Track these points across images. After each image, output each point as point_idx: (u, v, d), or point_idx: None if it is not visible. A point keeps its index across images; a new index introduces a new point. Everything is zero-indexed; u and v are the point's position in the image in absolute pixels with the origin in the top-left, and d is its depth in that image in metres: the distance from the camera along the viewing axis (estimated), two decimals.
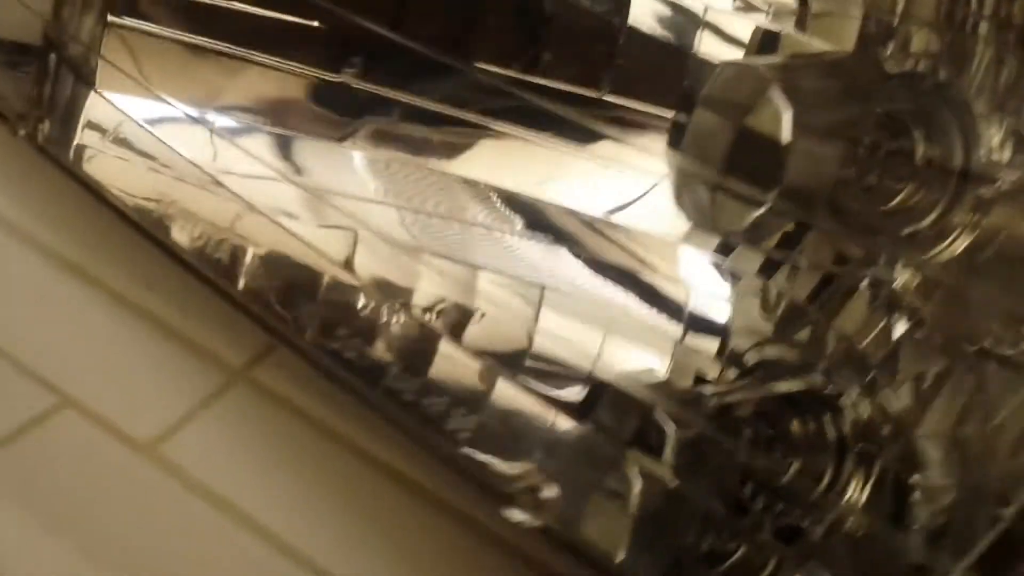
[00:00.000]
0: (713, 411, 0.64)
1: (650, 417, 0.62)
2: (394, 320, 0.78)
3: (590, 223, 0.78)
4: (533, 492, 0.49)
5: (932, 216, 0.63)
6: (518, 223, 0.80)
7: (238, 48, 0.77)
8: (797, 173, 0.55)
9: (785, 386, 0.67)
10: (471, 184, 0.80)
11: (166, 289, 0.62)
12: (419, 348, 0.78)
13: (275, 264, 0.75)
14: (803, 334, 0.73)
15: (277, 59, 0.75)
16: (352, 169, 0.82)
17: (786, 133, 0.55)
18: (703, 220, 0.59)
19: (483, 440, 0.58)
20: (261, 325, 0.63)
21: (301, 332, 0.63)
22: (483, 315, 0.77)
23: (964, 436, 0.51)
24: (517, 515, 0.48)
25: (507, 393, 0.77)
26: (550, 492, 0.49)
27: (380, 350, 0.77)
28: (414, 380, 0.70)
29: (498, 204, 0.81)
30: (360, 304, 0.78)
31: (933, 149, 0.62)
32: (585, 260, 0.78)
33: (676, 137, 0.59)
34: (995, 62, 0.61)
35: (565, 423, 0.67)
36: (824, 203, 0.58)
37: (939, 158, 0.62)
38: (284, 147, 0.82)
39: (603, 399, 0.63)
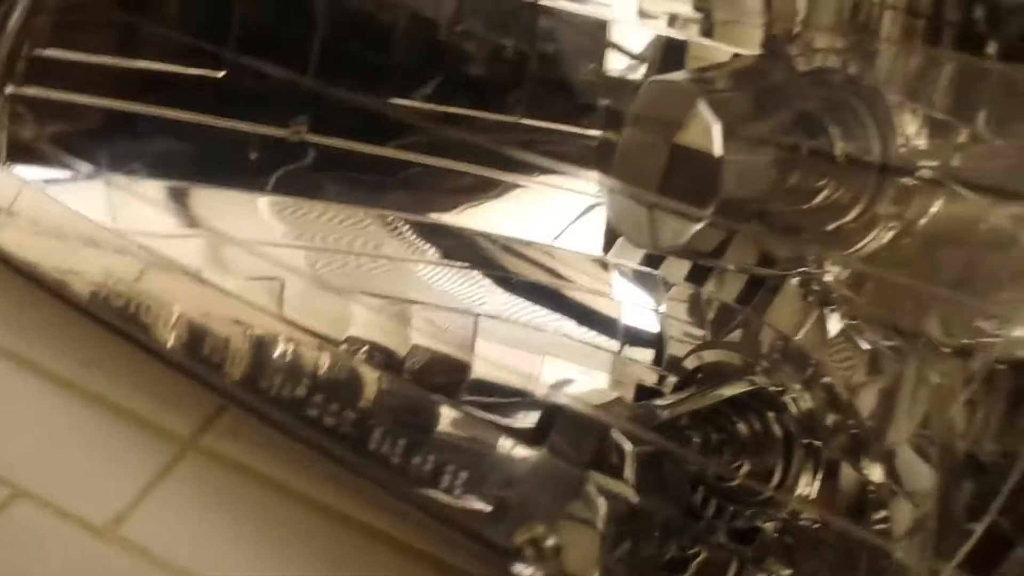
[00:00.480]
0: (665, 423, 0.65)
1: (606, 437, 0.62)
2: (331, 364, 0.77)
3: (516, 247, 0.78)
4: (535, 544, 0.48)
5: (856, 210, 0.64)
6: (438, 253, 0.80)
7: (139, 103, 0.75)
8: (732, 184, 0.56)
9: (730, 390, 0.68)
10: (386, 219, 0.80)
11: (101, 363, 0.59)
12: (357, 388, 0.77)
13: (203, 322, 0.73)
14: (737, 335, 0.74)
15: (183, 112, 0.74)
16: (258, 216, 0.80)
17: (718, 146, 0.56)
18: (642, 239, 0.59)
19: (450, 481, 0.57)
20: (204, 388, 0.61)
21: (247, 391, 0.61)
22: (420, 349, 0.77)
23: (931, 432, 0.52)
24: (525, 571, 0.48)
25: (455, 426, 0.76)
26: (552, 541, 0.49)
27: (315, 394, 0.76)
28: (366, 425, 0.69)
29: (412, 236, 0.80)
30: (297, 352, 0.76)
31: (851, 144, 0.64)
32: (515, 285, 0.78)
33: (606, 157, 0.60)
34: (903, 52, 0.63)
35: (521, 451, 0.66)
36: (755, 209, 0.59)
37: (857, 153, 0.64)
38: (190, 199, 0.80)
39: (557, 424, 0.63)
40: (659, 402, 0.66)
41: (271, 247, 0.80)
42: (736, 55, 0.70)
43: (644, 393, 0.77)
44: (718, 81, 0.58)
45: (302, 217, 0.80)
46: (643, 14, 0.72)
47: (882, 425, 0.60)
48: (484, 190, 0.77)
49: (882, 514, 0.58)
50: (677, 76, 0.58)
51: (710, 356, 0.72)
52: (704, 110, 0.56)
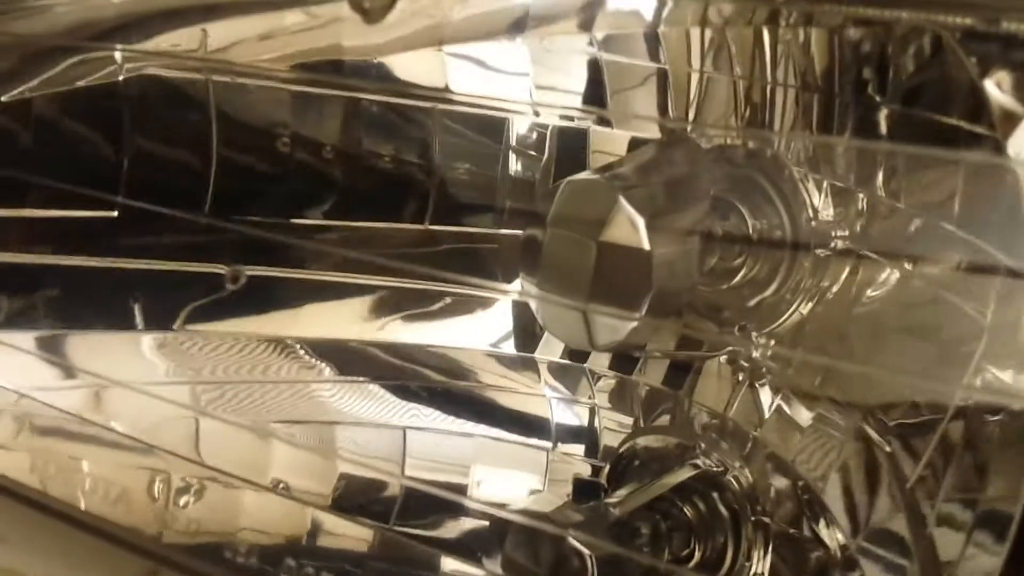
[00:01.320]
0: (617, 521, 0.64)
1: (563, 544, 0.60)
2: (255, 499, 0.74)
3: (437, 357, 0.77)
4: None
5: (775, 284, 0.65)
6: (334, 371, 0.78)
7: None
8: (663, 277, 0.56)
9: (675, 477, 0.67)
10: (278, 342, 0.77)
11: (21, 537, 0.55)
12: (293, 524, 0.74)
13: (118, 477, 0.69)
14: (669, 419, 0.74)
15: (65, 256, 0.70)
16: (140, 355, 0.77)
17: (645, 241, 0.56)
18: (578, 339, 0.59)
19: None
20: (129, 551, 0.58)
21: (174, 550, 0.58)
22: (347, 476, 0.74)
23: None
24: None
25: (391, 551, 0.74)
26: None
27: (248, 535, 0.73)
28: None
29: (306, 355, 0.78)
30: (220, 495, 0.73)
31: (761, 221, 0.65)
32: (435, 394, 0.77)
33: (530, 259, 0.59)
34: (799, 124, 0.64)
35: (471, 570, 0.65)
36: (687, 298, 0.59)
37: (768, 229, 0.65)
38: (70, 346, 0.76)
39: (508, 538, 0.62)
40: (609, 500, 0.65)
41: (171, 386, 0.77)
42: (635, 139, 0.71)
43: (582, 486, 0.76)
44: (631, 176, 0.58)
45: (192, 351, 0.77)
46: (538, 111, 0.73)
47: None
48: (392, 302, 0.76)
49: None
50: (593, 175, 0.58)
51: (645, 442, 0.72)
52: (626, 206, 0.56)
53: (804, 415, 0.65)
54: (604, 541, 0.61)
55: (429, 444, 0.77)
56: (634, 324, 0.56)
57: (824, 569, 0.63)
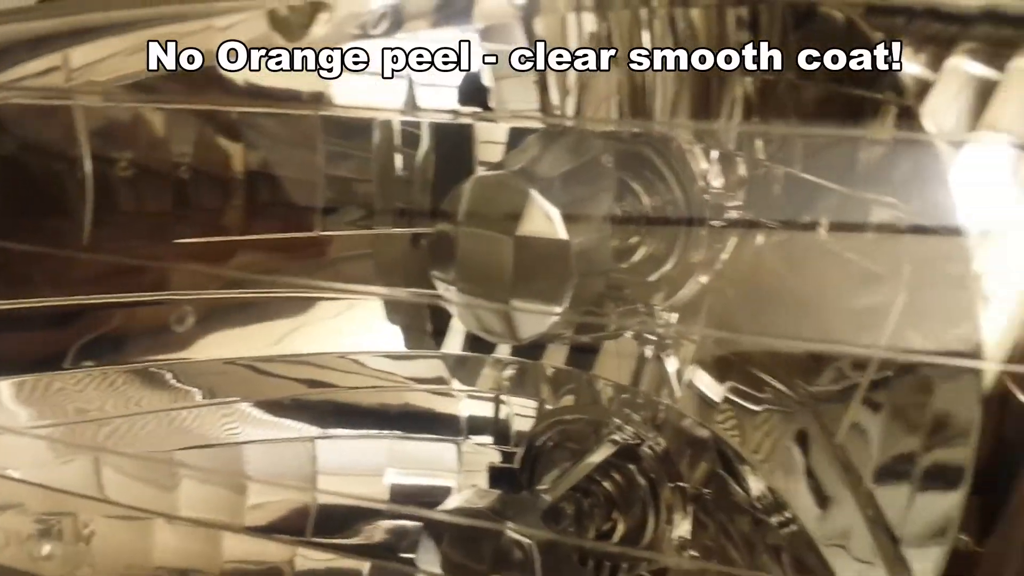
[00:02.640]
0: (548, 508, 0.65)
1: (501, 537, 0.61)
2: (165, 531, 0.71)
3: (336, 361, 0.75)
4: None
5: (673, 259, 0.67)
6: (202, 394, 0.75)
7: None
8: (582, 265, 0.56)
9: (598, 456, 0.68)
10: (145, 373, 0.74)
11: None
12: (205, 553, 0.72)
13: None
14: (577, 398, 0.75)
15: None
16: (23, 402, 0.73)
17: (562, 231, 0.56)
18: (501, 334, 0.59)
19: None
20: None
21: None
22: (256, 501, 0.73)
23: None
24: None
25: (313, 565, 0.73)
26: None
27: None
28: None
29: (175, 382, 0.75)
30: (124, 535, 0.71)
31: (656, 198, 0.66)
32: (344, 406, 0.76)
33: (443, 258, 0.59)
34: (683, 102, 0.66)
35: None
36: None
37: (663, 204, 0.66)
38: None
39: (444, 539, 0.62)
40: (540, 487, 0.66)
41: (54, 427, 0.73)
42: (515, 129, 0.71)
43: (498, 474, 0.76)
44: (536, 168, 0.58)
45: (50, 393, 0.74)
46: (421, 110, 0.72)
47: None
48: (285, 313, 0.75)
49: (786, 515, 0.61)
50: (500, 173, 0.58)
51: (556, 424, 0.73)
52: (539, 199, 0.56)
53: (717, 387, 0.67)
54: (542, 528, 0.62)
55: (339, 454, 0.76)
56: (557, 315, 0.56)
57: (749, 516, 0.66)
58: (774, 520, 0.63)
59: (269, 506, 0.74)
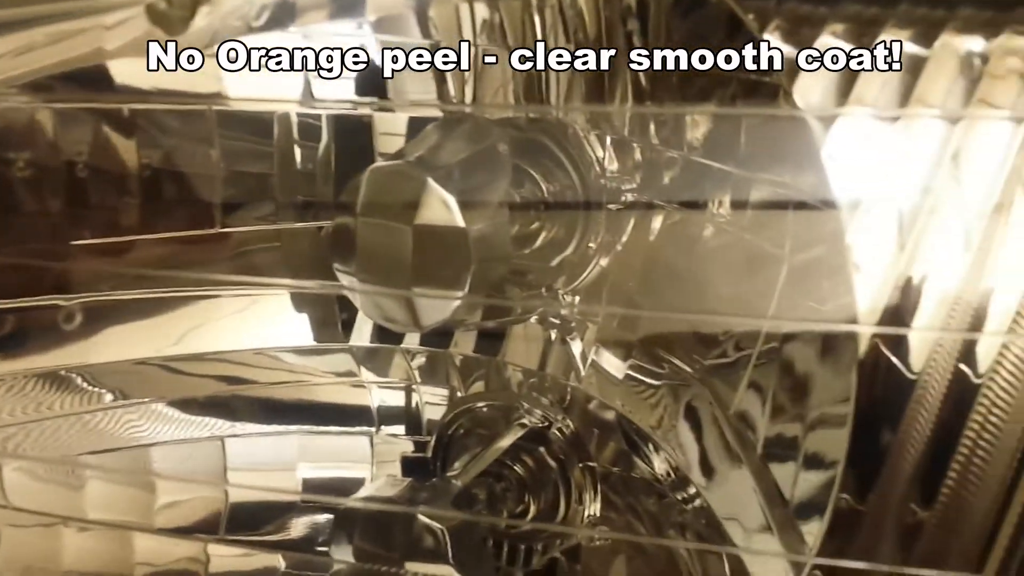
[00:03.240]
0: (462, 492, 0.66)
1: (413, 524, 0.62)
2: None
3: (249, 357, 0.75)
4: None
5: (574, 243, 0.68)
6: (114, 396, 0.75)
7: None
8: (481, 252, 0.57)
9: (507, 440, 0.69)
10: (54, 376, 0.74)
11: None
12: (116, 554, 0.71)
13: None
14: (485, 384, 0.76)
15: None
16: None
17: (459, 219, 0.57)
18: (404, 322, 0.60)
19: None
20: None
21: None
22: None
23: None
24: None
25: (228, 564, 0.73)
26: None
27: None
28: None
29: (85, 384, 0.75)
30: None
31: (554, 184, 0.67)
32: (254, 402, 0.76)
33: (343, 249, 0.59)
34: (576, 87, 0.67)
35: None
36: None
37: (561, 190, 0.67)
38: None
39: (356, 528, 0.62)
40: (450, 473, 0.67)
41: None
42: (414, 119, 0.72)
43: (410, 463, 0.77)
44: (432, 157, 0.59)
45: None
46: (315, 103, 0.72)
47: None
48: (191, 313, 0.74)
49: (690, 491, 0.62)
50: (396, 163, 0.58)
51: (467, 411, 0.74)
52: (435, 187, 0.57)
53: (619, 365, 0.68)
54: (452, 513, 0.62)
55: (250, 451, 0.76)
56: (458, 302, 0.57)
57: (655, 494, 0.68)
58: (679, 496, 0.65)
59: (181, 505, 0.74)
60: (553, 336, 0.72)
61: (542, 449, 0.71)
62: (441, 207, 0.57)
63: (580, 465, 0.71)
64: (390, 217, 0.58)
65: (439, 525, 0.61)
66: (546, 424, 0.71)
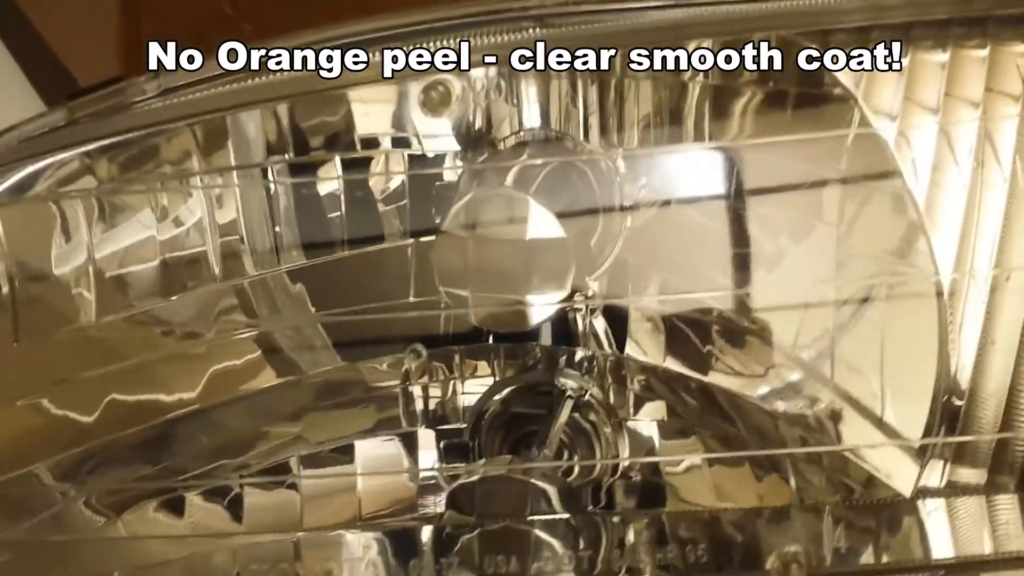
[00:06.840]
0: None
1: (528, 488, 0.73)
2: None
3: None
4: None
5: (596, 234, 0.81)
6: None
7: None
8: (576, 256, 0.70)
9: (565, 413, 0.81)
10: None
11: None
12: None
13: None
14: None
15: None
16: None
17: (560, 230, 0.69)
18: (517, 326, 0.70)
19: None
20: None
21: None
22: None
23: None
24: None
25: None
26: None
27: None
28: None
29: None
30: None
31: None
32: None
33: (452, 268, 0.69)
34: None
35: None
36: None
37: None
38: None
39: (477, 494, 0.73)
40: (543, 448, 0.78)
41: None
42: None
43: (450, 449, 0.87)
44: (522, 180, 0.70)
45: None
46: None
47: None
48: None
49: None
50: (499, 188, 0.69)
51: (506, 394, 0.84)
52: (537, 205, 0.69)
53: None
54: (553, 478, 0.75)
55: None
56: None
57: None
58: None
59: None
60: (580, 316, 0.84)
61: (576, 415, 0.84)
62: (545, 221, 0.68)
63: (611, 422, 0.84)
64: (498, 235, 0.69)
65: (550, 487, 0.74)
66: (582, 393, 0.83)
